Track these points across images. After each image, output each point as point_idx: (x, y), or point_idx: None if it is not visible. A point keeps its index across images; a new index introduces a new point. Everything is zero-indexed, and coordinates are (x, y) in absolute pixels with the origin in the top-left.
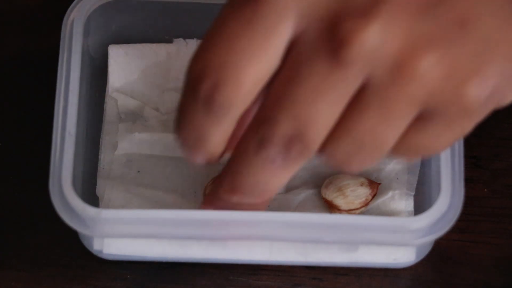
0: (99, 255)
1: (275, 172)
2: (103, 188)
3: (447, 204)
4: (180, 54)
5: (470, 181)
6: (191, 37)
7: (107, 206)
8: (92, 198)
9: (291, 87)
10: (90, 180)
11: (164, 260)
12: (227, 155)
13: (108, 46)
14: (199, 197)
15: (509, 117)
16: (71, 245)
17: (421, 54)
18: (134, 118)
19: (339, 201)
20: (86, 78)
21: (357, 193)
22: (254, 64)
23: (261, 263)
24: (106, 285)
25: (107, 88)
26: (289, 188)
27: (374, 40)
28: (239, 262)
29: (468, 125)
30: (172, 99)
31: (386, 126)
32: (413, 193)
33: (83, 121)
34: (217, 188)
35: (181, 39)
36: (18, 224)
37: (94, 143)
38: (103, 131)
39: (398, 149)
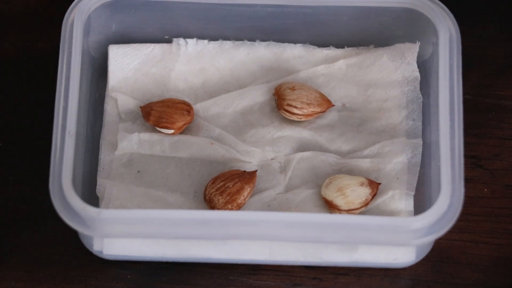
0: (99, 255)
1: None
2: (103, 188)
3: (447, 204)
4: (180, 54)
5: (470, 181)
6: (191, 37)
7: (107, 206)
8: (92, 198)
9: None
10: (90, 180)
11: (164, 260)
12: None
13: (108, 46)
14: (199, 197)
15: (509, 117)
16: (71, 245)
17: None
18: (134, 118)
19: (339, 201)
20: (86, 78)
21: (357, 193)
22: None
23: (261, 263)
24: (106, 285)
25: (107, 88)
26: (289, 188)
27: None
28: (239, 262)
29: None
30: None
31: None
32: (413, 193)
33: (83, 121)
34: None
35: (181, 39)
36: (18, 224)
37: (94, 143)
38: (103, 131)
39: None
